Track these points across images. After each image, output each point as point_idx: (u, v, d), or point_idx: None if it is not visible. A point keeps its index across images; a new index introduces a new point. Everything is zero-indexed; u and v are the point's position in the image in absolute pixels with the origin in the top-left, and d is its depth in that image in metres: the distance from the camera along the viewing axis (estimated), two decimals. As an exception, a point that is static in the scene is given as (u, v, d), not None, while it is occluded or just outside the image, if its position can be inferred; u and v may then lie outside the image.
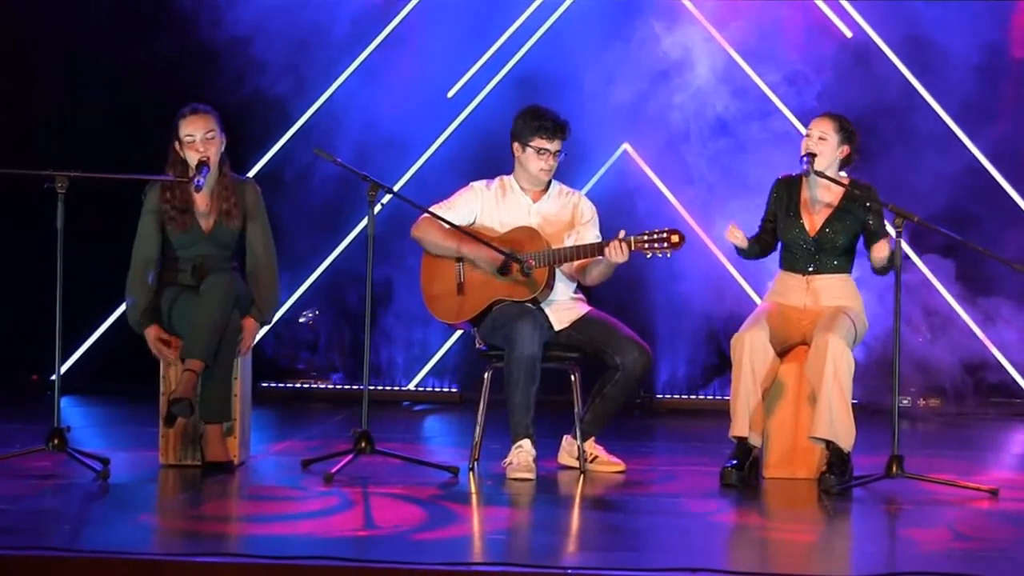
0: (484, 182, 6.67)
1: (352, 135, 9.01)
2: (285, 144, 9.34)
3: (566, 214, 6.62)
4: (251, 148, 9.14)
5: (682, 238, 6.32)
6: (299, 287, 9.31)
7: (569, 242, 6.50)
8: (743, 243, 6.52)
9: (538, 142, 6.51)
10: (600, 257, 6.37)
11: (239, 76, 8.99)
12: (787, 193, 6.60)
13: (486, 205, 6.60)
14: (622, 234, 6.31)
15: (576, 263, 6.51)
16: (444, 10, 9.28)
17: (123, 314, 8.86)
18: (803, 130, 6.73)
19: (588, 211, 6.64)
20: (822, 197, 6.53)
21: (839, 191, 6.49)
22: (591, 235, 6.56)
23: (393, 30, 9.36)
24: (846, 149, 6.49)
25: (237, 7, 8.91)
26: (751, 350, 6.29)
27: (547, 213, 6.60)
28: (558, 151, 6.52)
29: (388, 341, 9.18)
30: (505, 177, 6.66)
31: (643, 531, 5.45)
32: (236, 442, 6.43)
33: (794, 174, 6.59)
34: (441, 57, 9.22)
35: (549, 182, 6.64)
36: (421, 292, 6.63)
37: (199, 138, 6.39)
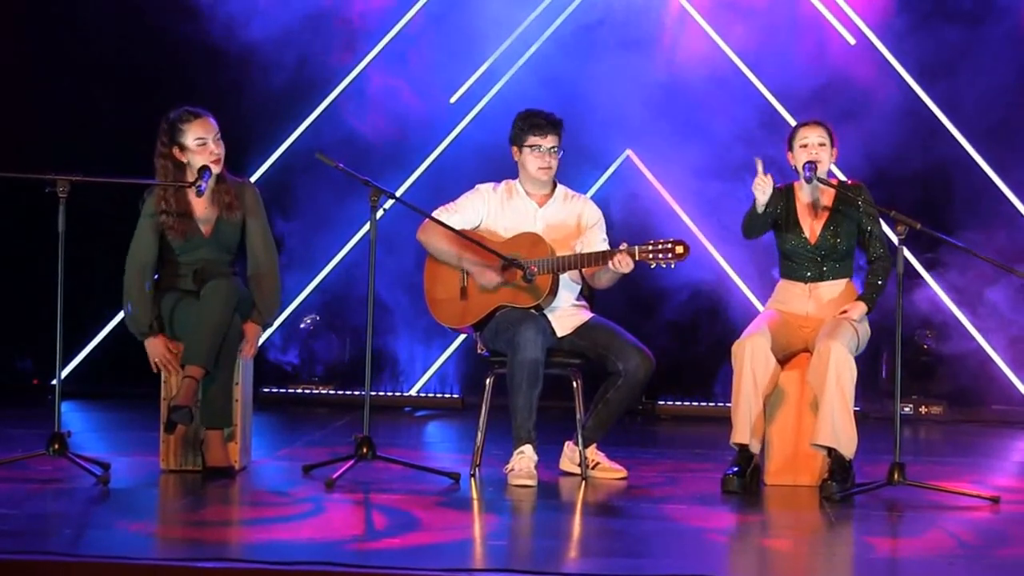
0: (491, 185, 6.67)
1: (354, 139, 9.02)
2: (287, 148, 9.35)
3: (572, 219, 6.61)
4: (252, 152, 9.14)
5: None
6: (302, 291, 9.31)
7: (576, 249, 6.49)
8: (766, 196, 6.29)
9: (532, 140, 6.52)
10: (607, 266, 6.37)
11: (242, 78, 9.00)
12: (784, 203, 6.59)
13: (491, 208, 6.60)
14: (624, 246, 6.31)
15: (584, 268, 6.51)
16: (447, 16, 9.28)
17: (123, 319, 8.92)
18: (791, 126, 6.73)
19: (594, 215, 6.63)
20: (816, 203, 6.53)
21: (831, 194, 6.50)
22: (597, 239, 6.56)
23: (397, 34, 9.37)
24: (835, 151, 6.53)
25: (240, 9, 8.92)
26: (752, 357, 6.29)
27: (552, 218, 6.59)
28: (553, 147, 6.52)
29: (391, 346, 9.18)
30: (511, 181, 6.66)
31: (644, 538, 5.44)
32: (237, 447, 6.42)
33: (792, 184, 6.59)
34: (444, 63, 9.22)
35: (554, 187, 6.64)
36: (424, 295, 6.63)
37: (211, 139, 6.36)
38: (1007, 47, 8.96)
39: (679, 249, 6.30)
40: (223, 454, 6.33)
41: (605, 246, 6.52)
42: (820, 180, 6.41)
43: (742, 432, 6.30)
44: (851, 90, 8.99)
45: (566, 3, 9.34)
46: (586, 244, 6.52)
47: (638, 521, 5.72)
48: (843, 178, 6.55)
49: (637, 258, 6.32)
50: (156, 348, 6.38)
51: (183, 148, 6.36)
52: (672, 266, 6.33)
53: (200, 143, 6.35)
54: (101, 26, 9.25)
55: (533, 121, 6.53)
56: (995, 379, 9.08)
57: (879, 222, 6.45)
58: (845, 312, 6.36)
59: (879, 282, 6.43)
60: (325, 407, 9.03)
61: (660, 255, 6.30)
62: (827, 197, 6.52)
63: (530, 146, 6.52)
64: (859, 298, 6.42)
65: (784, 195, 6.60)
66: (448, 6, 9.33)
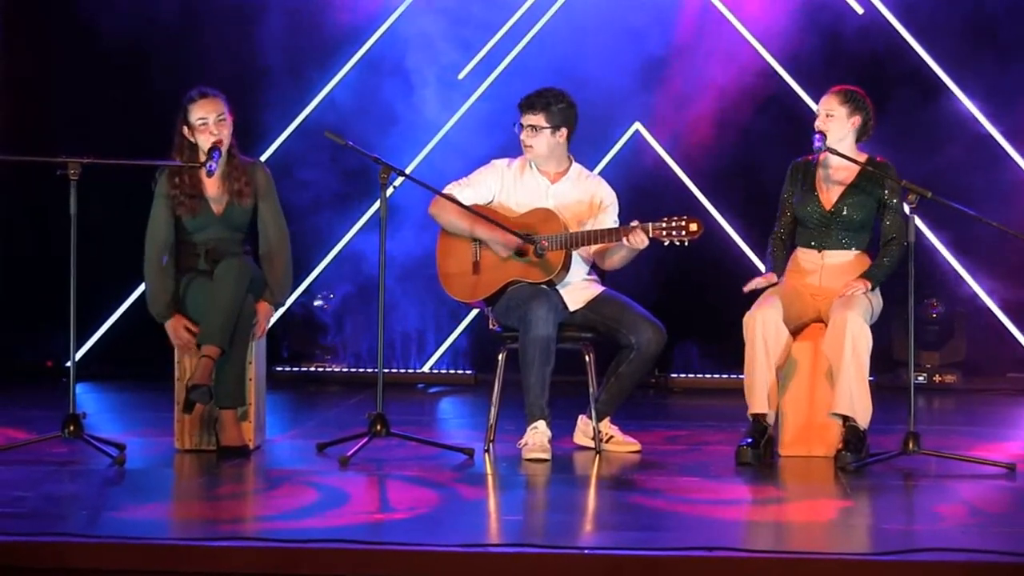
0: (505, 160, 6.66)
1: (365, 116, 9.00)
2: (298, 126, 9.33)
3: (584, 198, 6.59)
4: (262, 130, 9.13)
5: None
6: (314, 270, 9.31)
7: (587, 227, 6.48)
8: (770, 280, 6.56)
9: (520, 118, 6.53)
10: (622, 242, 6.36)
11: (249, 59, 8.99)
12: (803, 172, 6.59)
13: (505, 183, 6.59)
14: (635, 224, 6.30)
15: (595, 248, 6.50)
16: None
17: (137, 300, 8.93)
18: (815, 107, 6.72)
19: (608, 197, 6.61)
20: (836, 175, 6.51)
21: (855, 168, 6.47)
22: (609, 221, 6.53)
23: (405, 9, 9.34)
24: (857, 119, 6.46)
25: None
26: (763, 328, 6.29)
27: (564, 195, 6.58)
28: (532, 125, 6.51)
29: (403, 322, 9.18)
30: (526, 157, 6.65)
31: (659, 511, 5.45)
32: (251, 426, 6.44)
33: (810, 156, 6.57)
34: (452, 39, 9.19)
35: (570, 165, 6.62)
36: (436, 269, 6.63)
37: (212, 121, 6.39)
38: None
39: (693, 227, 6.29)
40: (237, 433, 6.34)
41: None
42: (830, 150, 6.38)
43: (760, 402, 6.30)
44: (861, 59, 8.94)
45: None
46: (596, 226, 6.49)
47: (652, 494, 5.72)
48: (852, 153, 6.48)
49: (651, 235, 6.31)
50: (174, 329, 6.40)
51: (191, 127, 6.40)
52: (686, 243, 6.32)
53: (201, 123, 6.38)
54: (111, 8, 9.24)
55: (521, 100, 6.56)
56: (1011, 347, 9.05)
57: (900, 205, 6.39)
58: (847, 285, 6.34)
59: (886, 261, 6.42)
60: (338, 385, 9.04)
61: (674, 232, 6.29)
62: (848, 170, 6.48)
63: (519, 124, 6.54)
64: (863, 274, 6.41)
65: (803, 166, 6.60)
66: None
